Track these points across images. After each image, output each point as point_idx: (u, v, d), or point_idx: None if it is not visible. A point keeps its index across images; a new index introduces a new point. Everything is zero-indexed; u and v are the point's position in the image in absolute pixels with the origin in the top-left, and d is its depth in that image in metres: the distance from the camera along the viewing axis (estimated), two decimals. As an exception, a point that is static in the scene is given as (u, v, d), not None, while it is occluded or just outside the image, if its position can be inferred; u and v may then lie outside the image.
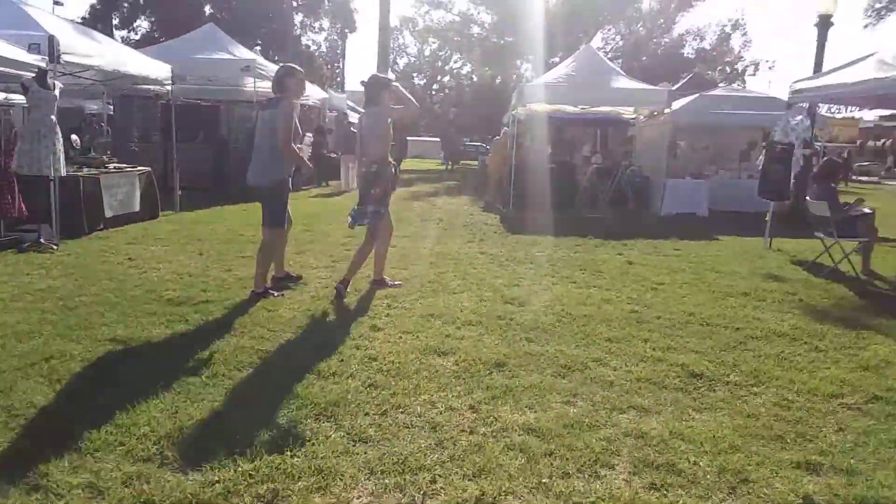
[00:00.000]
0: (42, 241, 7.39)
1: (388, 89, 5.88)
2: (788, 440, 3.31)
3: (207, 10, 38.58)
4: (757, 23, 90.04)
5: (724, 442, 3.23)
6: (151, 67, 10.42)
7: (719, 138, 16.21)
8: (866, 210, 8.08)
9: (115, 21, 39.25)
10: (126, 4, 39.28)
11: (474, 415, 3.44)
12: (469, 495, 2.70)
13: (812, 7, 16.16)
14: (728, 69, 42.58)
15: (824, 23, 14.51)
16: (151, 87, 11.21)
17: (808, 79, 9.92)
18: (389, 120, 5.83)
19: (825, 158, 9.45)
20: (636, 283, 6.60)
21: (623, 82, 14.33)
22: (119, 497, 2.63)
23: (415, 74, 54.16)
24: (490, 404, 3.57)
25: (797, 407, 3.72)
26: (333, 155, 18.93)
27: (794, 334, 5.08)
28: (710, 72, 38.15)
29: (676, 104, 14.52)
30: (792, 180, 9.57)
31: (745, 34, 42.54)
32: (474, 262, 7.38)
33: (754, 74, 40.97)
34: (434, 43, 49.95)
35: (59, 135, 7.51)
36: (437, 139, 40.59)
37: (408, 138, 41.52)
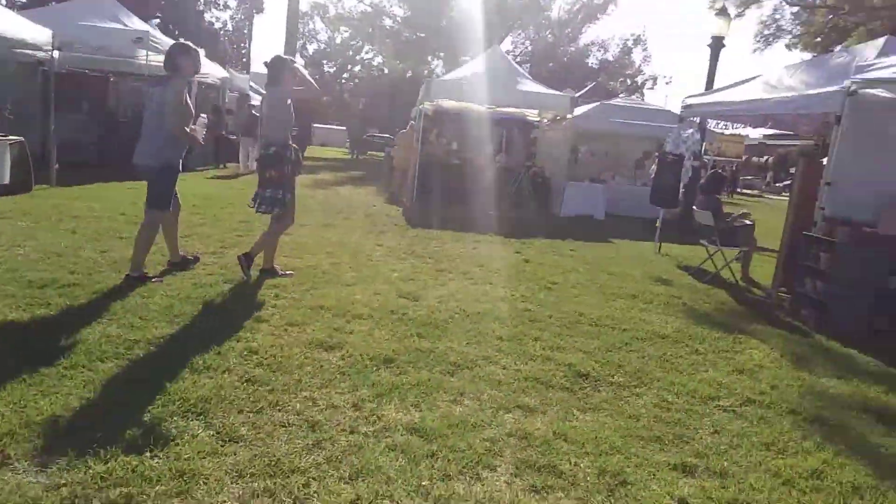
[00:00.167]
0: None
1: (289, 70, 5.70)
2: (667, 441, 3.37)
3: (102, -26, 36.03)
4: (657, 39, 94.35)
5: (606, 443, 3.25)
6: (29, 31, 9.52)
7: (617, 146, 16.79)
8: (747, 221, 8.55)
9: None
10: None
11: (357, 413, 3.29)
12: (344, 499, 2.55)
13: (707, 28, 17.01)
14: (629, 81, 44.39)
15: (717, 44, 15.32)
16: (32, 52, 10.26)
17: (700, 95, 10.39)
18: (289, 101, 5.60)
19: (711, 171, 9.94)
20: (531, 282, 6.65)
21: (529, 85, 14.52)
22: (-63, 504, 2.30)
23: (325, 62, 52.98)
24: (374, 402, 3.42)
25: (676, 408, 3.81)
26: (233, 136, 18.15)
27: (677, 337, 5.25)
28: (611, 82, 39.65)
29: (578, 110, 14.92)
30: (681, 189, 10.01)
31: (645, 49, 44.66)
32: (372, 255, 7.21)
33: (653, 88, 42.99)
34: (346, 32, 49.13)
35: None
36: (345, 128, 39.87)
37: (315, 125, 40.67)
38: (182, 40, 5.74)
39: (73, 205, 8.55)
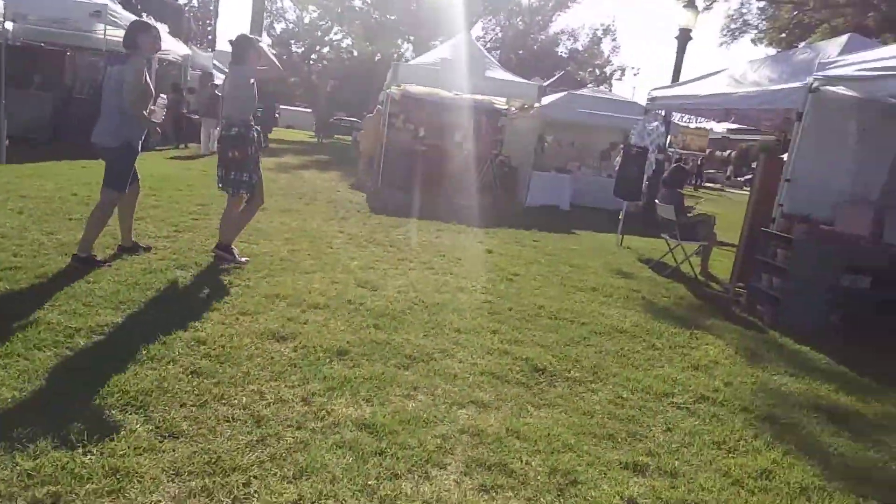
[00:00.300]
0: None
1: (254, 49, 5.66)
2: (619, 439, 3.35)
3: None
4: (627, 30, 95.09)
5: (559, 441, 3.21)
6: (-24, -2, 9.10)
7: (584, 136, 16.81)
8: (708, 215, 8.63)
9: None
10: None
11: (306, 408, 3.19)
12: (286, 500, 2.46)
13: (675, 20, 17.12)
14: (597, 71, 44.57)
15: (684, 36, 15.40)
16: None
17: (665, 88, 10.43)
18: (253, 81, 5.50)
19: (674, 165, 9.99)
20: (492, 273, 6.60)
21: (498, 73, 14.43)
22: None
23: (292, 42, 51.97)
24: (325, 396, 3.33)
25: (630, 405, 3.80)
26: (194, 116, 17.71)
27: (635, 331, 5.25)
28: (580, 72, 39.76)
29: (546, 99, 14.90)
30: (645, 182, 10.06)
31: (614, 40, 44.80)
32: (332, 242, 7.07)
33: (621, 79, 43.24)
34: (314, 12, 48.26)
35: None
36: (311, 110, 39.28)
37: (281, 107, 39.98)
38: (144, 16, 5.56)
39: (23, 183, 8.22)
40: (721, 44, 31.44)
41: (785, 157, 6.91)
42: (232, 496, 2.45)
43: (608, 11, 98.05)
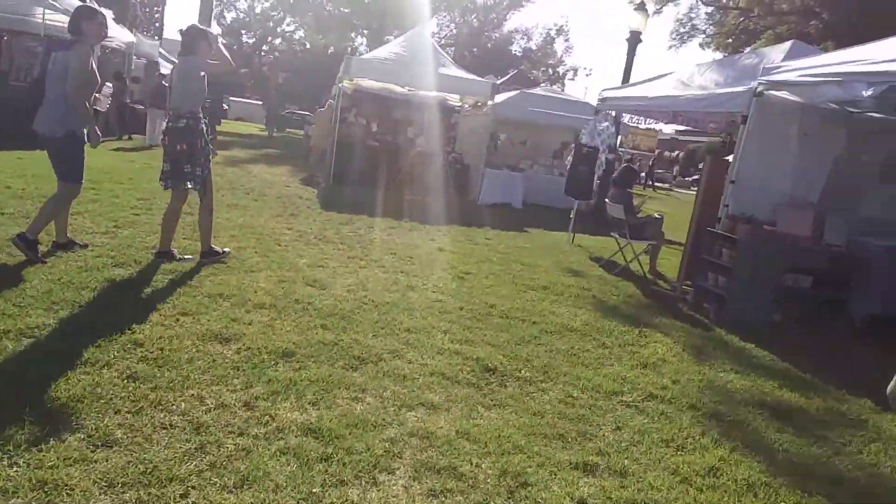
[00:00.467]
0: None
1: (206, 40, 5.56)
2: (570, 439, 3.34)
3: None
4: (579, 31, 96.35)
5: (509, 442, 3.18)
6: None
7: (536, 135, 16.93)
8: (656, 215, 8.76)
9: None
10: None
11: (248, 413, 3.07)
12: (225, 511, 2.35)
13: (626, 23, 17.36)
14: (550, 71, 45.01)
15: (634, 39, 15.65)
16: None
17: (615, 88, 10.56)
18: (203, 73, 5.41)
19: (624, 165, 10.11)
20: (444, 271, 6.55)
21: (452, 69, 14.38)
22: None
23: (243, 32, 51.00)
24: (269, 400, 3.22)
25: (581, 404, 3.79)
26: (139, 106, 17.13)
27: (585, 330, 5.27)
28: (534, 71, 40.07)
29: (499, 97, 14.92)
30: (596, 181, 10.16)
31: (567, 40, 45.28)
32: (280, 239, 6.90)
33: (573, 79, 43.75)
34: (266, 1, 47.46)
35: None
36: (262, 103, 38.47)
37: (231, 98, 39.07)
38: (88, 1, 5.34)
39: (-51, 175, 7.78)
40: (670, 47, 32.24)
41: (730, 158, 7.05)
42: (167, 508, 2.33)
43: (561, 11, 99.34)
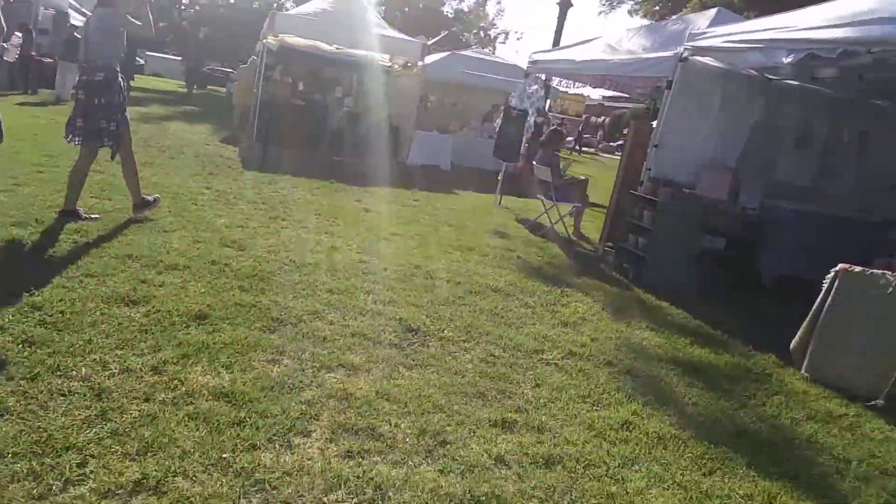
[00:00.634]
0: None
1: None
2: (490, 397, 3.35)
3: None
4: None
5: (429, 401, 3.16)
6: None
7: (467, 97, 16.83)
8: (581, 178, 8.88)
9: None
10: None
11: (155, 378, 2.93)
12: (126, 479, 2.24)
13: (556, -16, 17.32)
14: (482, 33, 44.72)
15: (566, 3, 15.66)
16: None
17: (546, 51, 10.55)
18: (122, 28, 5.25)
19: (551, 128, 10.17)
20: (369, 232, 6.44)
21: (381, 28, 14.03)
22: None
23: (161, -17, 48.21)
24: (178, 364, 3.08)
25: (502, 363, 3.82)
26: (47, 59, 16.01)
27: (509, 290, 5.30)
28: (465, 33, 39.70)
29: (430, 59, 14.69)
30: (524, 144, 10.20)
31: (499, 3, 44.96)
32: (197, 199, 6.61)
33: (504, 42, 43.60)
34: (185, -49, 44.93)
35: None
36: (181, 59, 36.62)
37: (148, 53, 37.06)
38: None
39: None
40: (600, 12, 32.46)
41: (654, 123, 7.17)
42: (63, 478, 2.20)
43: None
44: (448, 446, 2.81)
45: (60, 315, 3.36)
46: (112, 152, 5.46)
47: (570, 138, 24.06)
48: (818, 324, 4.53)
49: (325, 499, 2.33)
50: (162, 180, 7.17)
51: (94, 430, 2.48)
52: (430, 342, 3.94)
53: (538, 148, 9.00)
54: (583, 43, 9.44)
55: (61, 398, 2.65)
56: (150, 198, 5.69)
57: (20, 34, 14.50)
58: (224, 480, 2.32)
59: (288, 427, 2.72)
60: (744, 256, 6.77)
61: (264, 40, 13.62)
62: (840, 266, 4.56)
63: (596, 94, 30.37)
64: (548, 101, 15.19)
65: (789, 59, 5.55)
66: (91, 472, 2.25)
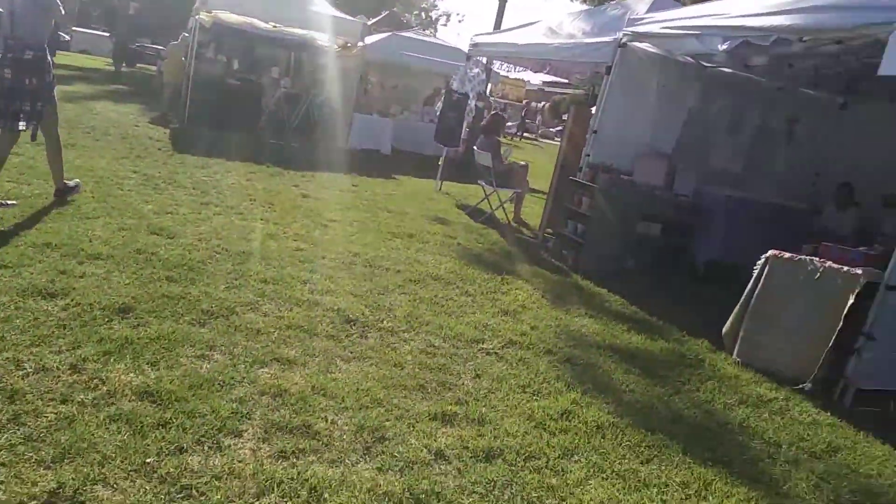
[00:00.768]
0: None
1: None
2: (430, 389, 3.30)
3: None
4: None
5: (367, 396, 3.09)
6: None
7: (408, 80, 16.61)
8: (522, 163, 8.89)
9: None
10: None
11: (74, 377, 2.75)
12: (40, 490, 2.09)
13: (497, -33, 17.21)
14: (423, 15, 44.31)
15: (506, -16, 15.56)
16: None
17: (487, 34, 10.47)
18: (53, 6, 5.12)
19: (492, 113, 10.15)
20: (307, 219, 6.28)
21: (321, 6, 13.72)
22: None
23: (86, -47, 45.77)
24: (99, 362, 2.90)
25: (442, 353, 3.77)
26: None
27: (449, 278, 5.26)
28: (406, 14, 39.24)
29: (370, 39, 14.43)
30: (465, 129, 10.14)
31: (441, -17, 44.47)
32: (123, 183, 6.28)
33: (446, 25, 43.29)
34: (112, -80, 42.67)
35: None
36: (109, 35, 34.91)
37: (75, 29, 35.12)
38: None
39: None
40: (541, -4, 32.45)
41: (593, 109, 7.22)
42: (-33, 491, 2.03)
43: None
44: (386, 442, 2.75)
45: (-32, 311, 3.12)
46: (32, 132, 5.16)
47: (510, 123, 24.13)
48: (748, 309, 4.67)
49: (256, 503, 2.24)
50: (86, 163, 6.79)
51: (6, 435, 2.30)
52: (370, 333, 3.86)
53: (479, 133, 8.95)
54: (524, 26, 9.41)
55: (-33, 403, 2.46)
56: (71, 183, 5.40)
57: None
58: (148, 487, 2.19)
59: (217, 427, 2.60)
60: (679, 242, 6.93)
61: (197, 16, 13.10)
62: (770, 252, 4.70)
63: (536, 78, 30.53)
64: (489, 85, 15.13)
65: (724, 46, 5.67)
66: (1, 482, 2.09)
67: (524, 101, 32.13)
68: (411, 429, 2.89)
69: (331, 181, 8.71)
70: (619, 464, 2.93)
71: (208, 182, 7.10)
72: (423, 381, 3.37)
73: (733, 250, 6.89)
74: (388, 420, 2.92)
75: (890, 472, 3.30)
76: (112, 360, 2.94)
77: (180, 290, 3.87)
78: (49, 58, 5.13)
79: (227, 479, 2.32)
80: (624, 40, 6.65)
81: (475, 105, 10.83)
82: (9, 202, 4.92)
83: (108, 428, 2.46)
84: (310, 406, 2.90)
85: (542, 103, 33.36)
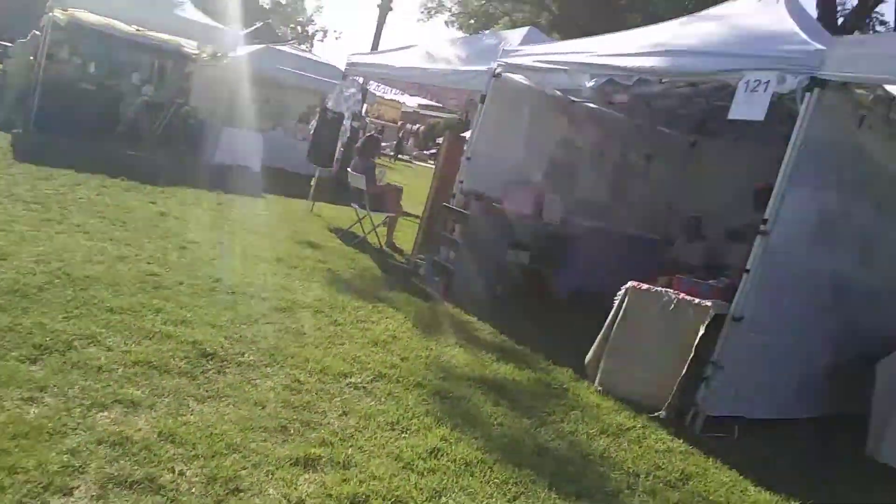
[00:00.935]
0: None
1: None
2: (292, 431, 3.12)
3: None
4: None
5: (222, 441, 2.86)
6: None
7: (282, 95, 16.16)
8: (396, 186, 8.86)
9: None
10: None
11: None
12: None
13: (376, -11, 17.28)
14: (299, 29, 43.66)
15: (385, 6, 15.67)
16: None
17: (363, 54, 10.42)
18: None
19: (367, 135, 10.07)
20: (164, 240, 5.85)
21: (190, 12, 13.03)
22: None
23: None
24: None
25: (307, 389, 3.59)
26: None
27: (318, 306, 5.07)
28: (282, 26, 38.49)
29: (243, 50, 13.93)
30: (339, 149, 9.97)
31: (318, -1, 44.11)
32: (-53, 195, 5.58)
33: (322, 40, 42.91)
34: None
35: None
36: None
37: None
38: None
39: None
40: (419, 20, 33.04)
41: (466, 135, 7.32)
42: None
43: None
44: (241, 494, 2.54)
45: None
46: None
47: (385, 144, 24.18)
48: (609, 339, 4.85)
49: (84, 576, 1.97)
50: None
51: None
52: (228, 368, 3.61)
53: (354, 154, 8.83)
54: (402, 49, 9.44)
55: None
56: None
57: None
58: (-54, 567, 1.87)
59: (44, 485, 2.29)
60: (546, 270, 7.13)
61: (51, 13, 12.05)
62: (629, 284, 4.92)
63: (412, 101, 30.88)
64: (365, 105, 15.04)
65: (591, 83, 5.93)
66: None
67: (399, 123, 32.38)
68: (270, 477, 2.70)
69: (193, 198, 8.21)
70: (487, 503, 2.89)
71: (52, 196, 6.44)
72: (285, 421, 3.18)
73: (595, 279, 7.20)
74: (244, 468, 2.71)
75: (737, 498, 3.50)
76: (-88, 409, 2.53)
77: (9, 321, 3.43)
78: None
79: (49, 549, 2.03)
80: (498, 70, 6.80)
81: (350, 125, 10.69)
82: None
83: None
84: (155, 455, 2.63)
85: (417, 126, 33.78)
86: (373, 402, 3.64)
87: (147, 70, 14.36)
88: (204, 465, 2.65)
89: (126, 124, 12.03)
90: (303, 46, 29.40)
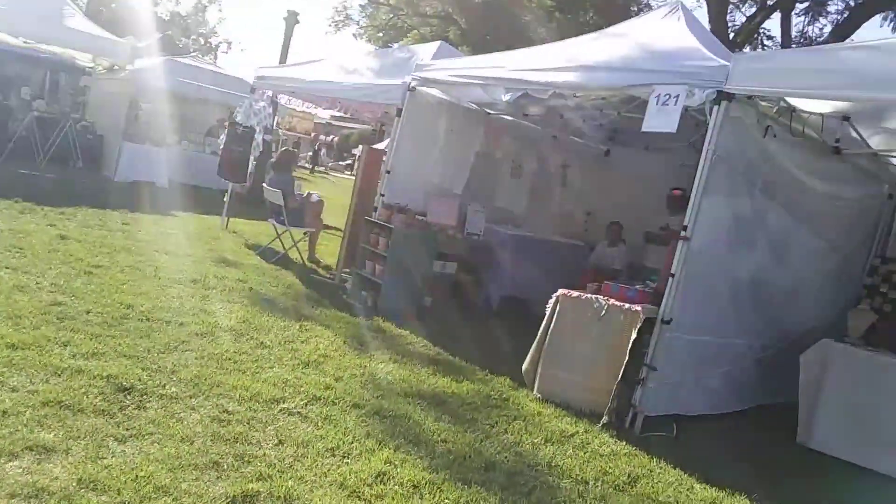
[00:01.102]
0: None
1: None
2: (226, 466, 2.90)
3: None
4: (233, 3, 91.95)
5: (149, 483, 2.62)
6: None
7: (187, 108, 15.50)
8: (315, 199, 8.63)
9: None
10: None
11: None
12: None
13: (285, 2, 16.93)
14: (202, 41, 42.29)
15: (292, 19, 15.38)
16: None
17: (273, 67, 10.16)
18: None
19: (283, 149, 9.78)
20: (67, 265, 5.40)
21: (81, 23, 12.30)
22: None
23: None
24: None
25: (238, 420, 3.37)
26: None
27: (242, 329, 4.82)
28: (183, 38, 37.15)
29: (141, 62, 13.29)
30: (252, 163, 9.62)
31: (220, 10, 42.95)
32: None
33: (227, 52, 41.74)
34: None
35: None
36: None
37: None
38: None
39: None
40: (327, 32, 32.73)
41: (382, 146, 7.21)
42: None
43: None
44: (176, 540, 2.32)
45: None
46: None
47: (302, 155, 23.70)
48: (544, 346, 4.86)
49: None
50: None
51: None
52: (149, 403, 3.33)
53: (269, 169, 8.53)
54: (312, 62, 9.24)
55: None
56: None
57: None
58: None
59: (-57, 554, 2.01)
60: (473, 280, 7.12)
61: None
62: (560, 291, 4.95)
63: (325, 113, 30.47)
64: (276, 118, 14.66)
65: (507, 97, 5.97)
66: None
67: (313, 135, 31.88)
68: (206, 518, 2.49)
69: (96, 219, 7.68)
70: (438, 527, 2.78)
71: (-67, 222, 5.85)
72: (216, 456, 2.96)
73: (522, 285, 7.27)
74: (176, 511, 2.49)
75: (684, 497, 3.54)
76: None
77: None
78: None
79: None
80: (413, 84, 6.75)
81: (263, 139, 10.34)
82: None
83: None
84: (75, 506, 2.37)
85: (331, 137, 33.38)
86: (309, 428, 3.46)
87: (38, 84, 13.47)
88: (131, 513, 2.41)
89: (16, 141, 11.17)
90: (206, 58, 28.45)
